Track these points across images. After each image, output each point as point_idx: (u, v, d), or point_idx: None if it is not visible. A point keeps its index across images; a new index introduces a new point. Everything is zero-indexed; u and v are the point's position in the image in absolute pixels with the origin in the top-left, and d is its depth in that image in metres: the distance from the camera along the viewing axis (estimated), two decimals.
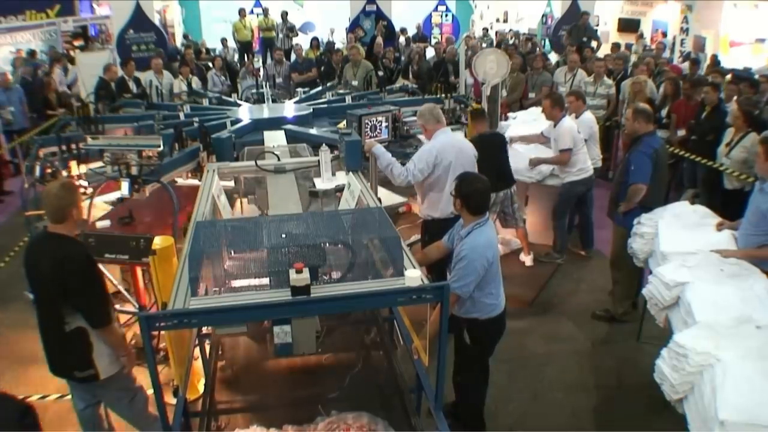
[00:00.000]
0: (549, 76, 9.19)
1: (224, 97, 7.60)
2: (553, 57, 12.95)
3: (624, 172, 4.69)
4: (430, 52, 12.65)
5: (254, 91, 8.36)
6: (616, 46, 11.53)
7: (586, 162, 5.83)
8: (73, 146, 4.76)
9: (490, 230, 3.32)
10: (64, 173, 4.64)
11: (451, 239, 3.49)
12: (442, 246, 3.58)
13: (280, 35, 14.62)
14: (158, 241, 3.59)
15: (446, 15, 17.52)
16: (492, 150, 5.25)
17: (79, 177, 4.58)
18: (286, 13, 15.04)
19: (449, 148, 4.27)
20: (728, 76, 7.90)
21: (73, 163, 4.77)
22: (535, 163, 5.91)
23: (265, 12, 15.85)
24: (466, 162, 4.31)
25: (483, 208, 3.31)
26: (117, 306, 3.76)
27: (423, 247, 4.26)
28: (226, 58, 12.34)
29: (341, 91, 7.58)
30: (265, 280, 2.42)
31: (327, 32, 16.31)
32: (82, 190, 4.01)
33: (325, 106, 6.66)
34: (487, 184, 3.33)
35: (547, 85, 8.80)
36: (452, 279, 3.22)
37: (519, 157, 5.96)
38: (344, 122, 4.95)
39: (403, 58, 12.52)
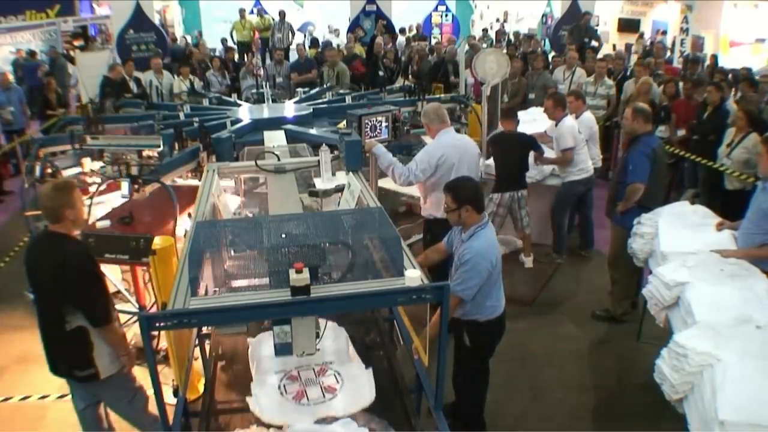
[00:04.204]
0: (549, 77, 9.16)
1: (224, 97, 7.61)
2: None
3: (622, 171, 4.70)
4: None
5: (254, 91, 8.37)
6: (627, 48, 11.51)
7: (587, 162, 5.83)
8: (76, 145, 4.79)
9: (491, 232, 3.33)
10: (75, 170, 4.66)
11: (450, 242, 3.49)
12: (443, 248, 3.58)
13: (279, 34, 14.59)
14: (158, 241, 3.59)
15: (446, 15, 17.50)
16: (510, 149, 5.25)
17: (92, 173, 4.62)
18: (284, 13, 15.03)
19: (452, 148, 4.26)
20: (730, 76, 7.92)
21: (86, 160, 4.80)
22: (539, 162, 5.91)
23: (263, 12, 15.82)
24: (469, 162, 4.30)
25: (483, 205, 3.37)
26: (117, 306, 3.75)
27: (425, 246, 4.26)
28: (225, 58, 12.32)
29: (342, 91, 7.60)
30: (265, 280, 2.42)
31: (309, 33, 16.16)
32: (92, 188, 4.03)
33: (325, 106, 6.67)
34: (474, 180, 3.48)
35: (550, 86, 8.78)
36: (455, 282, 3.21)
37: None
38: (344, 122, 4.96)
39: (403, 57, 12.51)
